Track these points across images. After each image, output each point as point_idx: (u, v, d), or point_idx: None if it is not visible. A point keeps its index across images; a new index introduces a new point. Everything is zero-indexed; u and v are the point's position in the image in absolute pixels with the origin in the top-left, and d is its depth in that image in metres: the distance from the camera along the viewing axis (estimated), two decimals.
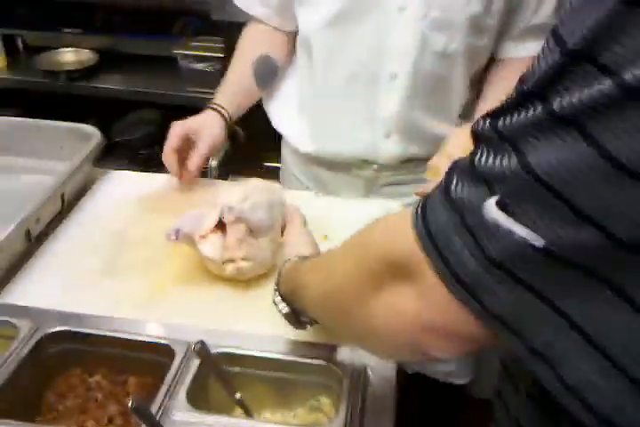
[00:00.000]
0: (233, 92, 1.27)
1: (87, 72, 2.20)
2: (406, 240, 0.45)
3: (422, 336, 0.47)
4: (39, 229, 1.04)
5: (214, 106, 1.23)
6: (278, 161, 1.46)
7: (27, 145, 1.22)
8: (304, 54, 1.25)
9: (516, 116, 0.39)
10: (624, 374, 0.39)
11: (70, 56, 2.28)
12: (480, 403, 1.37)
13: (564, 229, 0.37)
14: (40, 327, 0.85)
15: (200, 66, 2.07)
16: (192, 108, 1.28)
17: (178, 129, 1.17)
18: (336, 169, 1.31)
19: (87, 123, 1.23)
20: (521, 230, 0.38)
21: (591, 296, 0.39)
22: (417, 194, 0.97)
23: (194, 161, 1.17)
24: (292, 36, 1.29)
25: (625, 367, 0.39)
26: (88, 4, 2.20)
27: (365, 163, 1.26)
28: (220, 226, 0.91)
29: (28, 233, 1.00)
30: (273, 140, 1.42)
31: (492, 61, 1.24)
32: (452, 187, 0.43)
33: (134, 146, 2.22)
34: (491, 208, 0.40)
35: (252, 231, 0.92)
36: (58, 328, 0.86)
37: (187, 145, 1.18)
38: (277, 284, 0.79)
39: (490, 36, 1.16)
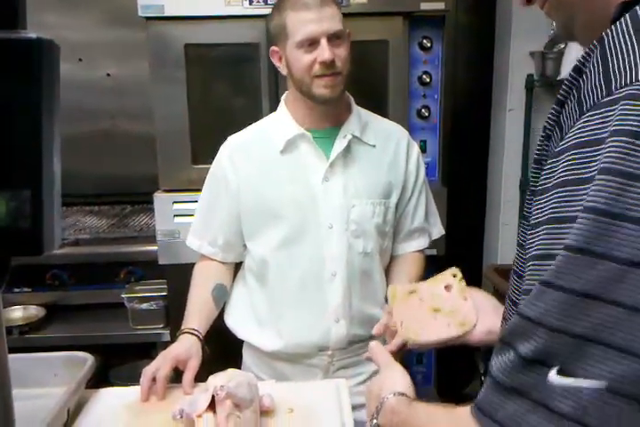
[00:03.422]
0: (199, 315, 1.57)
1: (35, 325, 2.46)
2: None
3: None
4: None
5: (190, 331, 1.50)
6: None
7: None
8: (258, 275, 1.61)
9: None
10: None
11: (18, 313, 2.54)
12: None
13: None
14: None
15: (145, 305, 2.37)
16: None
17: (168, 361, 1.41)
18: (296, 361, 1.60)
19: None
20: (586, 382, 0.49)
21: None
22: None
23: (189, 378, 1.42)
24: (232, 265, 1.70)
25: None
26: (38, 265, 2.52)
27: (320, 350, 1.57)
28: (212, 406, 1.16)
29: None
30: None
31: (392, 259, 1.70)
32: (503, 378, 0.56)
33: None
34: (554, 378, 0.51)
35: (238, 406, 1.17)
36: None
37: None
38: (376, 412, 0.90)
39: (389, 239, 1.63)
